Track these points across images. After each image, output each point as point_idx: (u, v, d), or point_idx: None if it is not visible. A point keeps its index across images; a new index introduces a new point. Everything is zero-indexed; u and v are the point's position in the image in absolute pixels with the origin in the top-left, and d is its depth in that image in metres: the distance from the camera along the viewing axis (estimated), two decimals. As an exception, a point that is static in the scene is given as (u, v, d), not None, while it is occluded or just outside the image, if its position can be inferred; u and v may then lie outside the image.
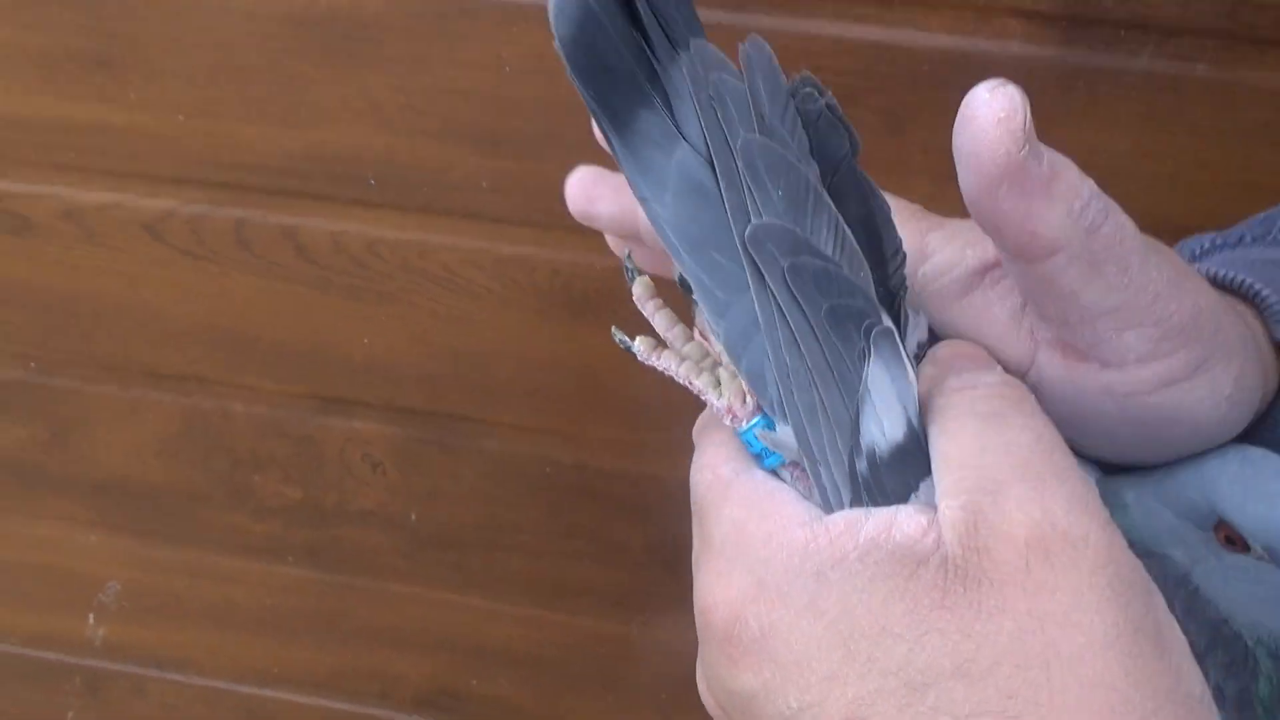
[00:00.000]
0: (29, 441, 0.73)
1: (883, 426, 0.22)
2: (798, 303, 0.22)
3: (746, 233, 0.22)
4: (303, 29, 0.53)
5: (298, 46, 0.54)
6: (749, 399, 0.24)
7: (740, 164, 0.22)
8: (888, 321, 0.23)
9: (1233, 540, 0.23)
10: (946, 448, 0.22)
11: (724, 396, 0.24)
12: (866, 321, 0.22)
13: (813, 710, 0.21)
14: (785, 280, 0.22)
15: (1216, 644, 0.22)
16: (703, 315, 0.25)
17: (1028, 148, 0.21)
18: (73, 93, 0.57)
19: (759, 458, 0.24)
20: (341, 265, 0.61)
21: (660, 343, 0.26)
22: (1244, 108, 0.48)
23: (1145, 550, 0.22)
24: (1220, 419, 0.24)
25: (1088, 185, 0.22)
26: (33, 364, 0.70)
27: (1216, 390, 0.23)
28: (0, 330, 0.68)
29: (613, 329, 0.26)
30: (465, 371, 0.63)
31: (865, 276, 0.23)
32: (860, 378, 0.22)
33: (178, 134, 0.58)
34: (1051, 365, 0.24)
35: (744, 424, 0.24)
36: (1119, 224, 0.22)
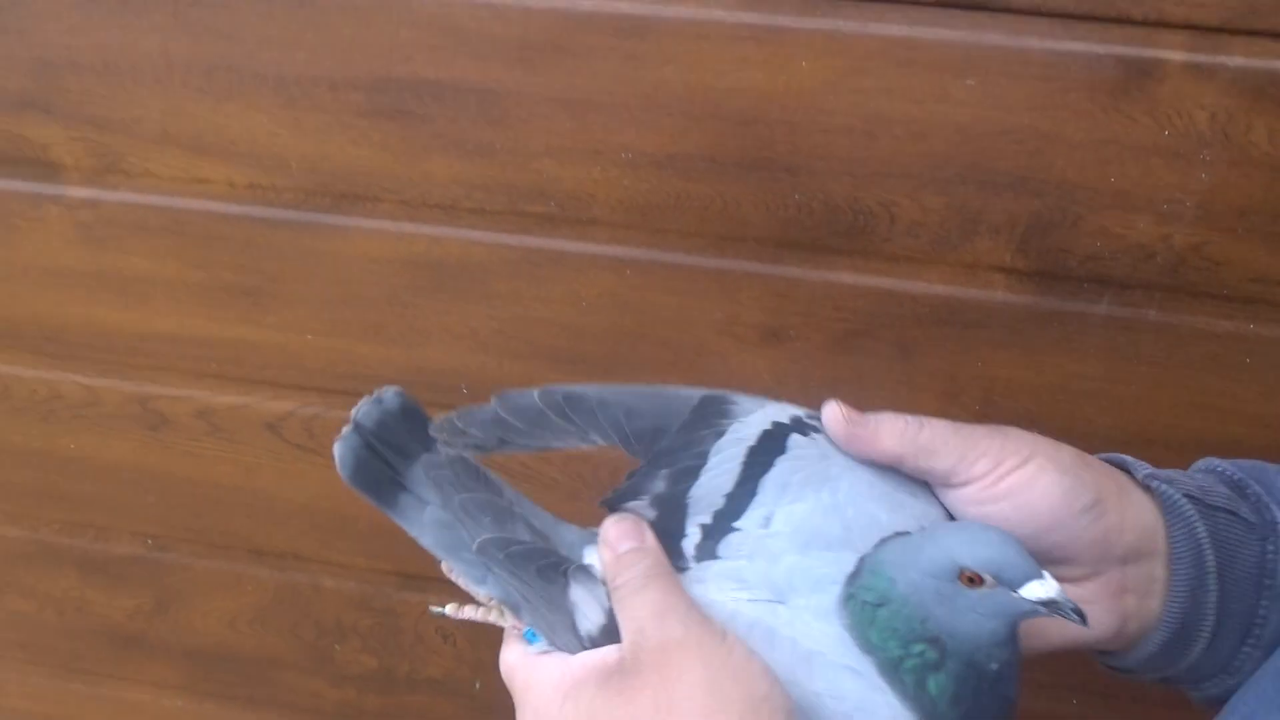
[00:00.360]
0: (135, 611, 0.82)
1: (589, 620, 0.39)
2: (516, 573, 0.40)
3: (475, 545, 0.40)
4: (416, 269, 0.66)
5: (411, 283, 0.66)
6: (521, 621, 0.42)
7: (460, 510, 0.41)
8: (585, 558, 0.41)
9: (973, 580, 0.36)
10: (620, 615, 0.38)
11: (507, 621, 0.42)
12: (564, 566, 0.39)
13: None
14: (505, 563, 0.40)
15: (908, 651, 0.36)
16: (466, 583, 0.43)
17: (850, 427, 0.41)
18: (221, 316, 0.69)
19: (530, 640, 0.41)
20: (432, 459, 0.71)
21: (458, 606, 0.45)
22: (1188, 344, 0.59)
23: (914, 612, 0.36)
24: (1059, 495, 0.40)
25: (903, 419, 0.41)
26: (150, 540, 0.79)
27: (1046, 470, 0.40)
28: (127, 511, 0.78)
29: (429, 607, 0.46)
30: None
31: (554, 540, 0.41)
32: (566, 603, 0.39)
33: (304, 350, 0.70)
34: (949, 495, 0.41)
35: (521, 629, 0.42)
36: (933, 428, 0.40)
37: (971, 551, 0.36)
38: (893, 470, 0.41)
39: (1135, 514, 0.41)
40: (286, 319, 0.69)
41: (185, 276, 0.68)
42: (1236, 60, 0.53)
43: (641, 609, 0.37)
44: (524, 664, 0.40)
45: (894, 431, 0.40)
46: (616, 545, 0.39)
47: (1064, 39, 0.54)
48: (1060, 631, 0.41)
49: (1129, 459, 0.44)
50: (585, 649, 0.38)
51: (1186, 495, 0.41)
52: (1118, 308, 0.59)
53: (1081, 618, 0.35)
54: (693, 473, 0.41)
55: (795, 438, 0.42)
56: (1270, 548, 0.41)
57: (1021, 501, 0.40)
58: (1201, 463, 0.45)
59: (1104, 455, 0.43)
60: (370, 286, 0.67)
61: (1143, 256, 0.57)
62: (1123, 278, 0.58)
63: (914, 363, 0.61)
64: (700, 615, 0.37)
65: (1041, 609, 0.36)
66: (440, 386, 0.69)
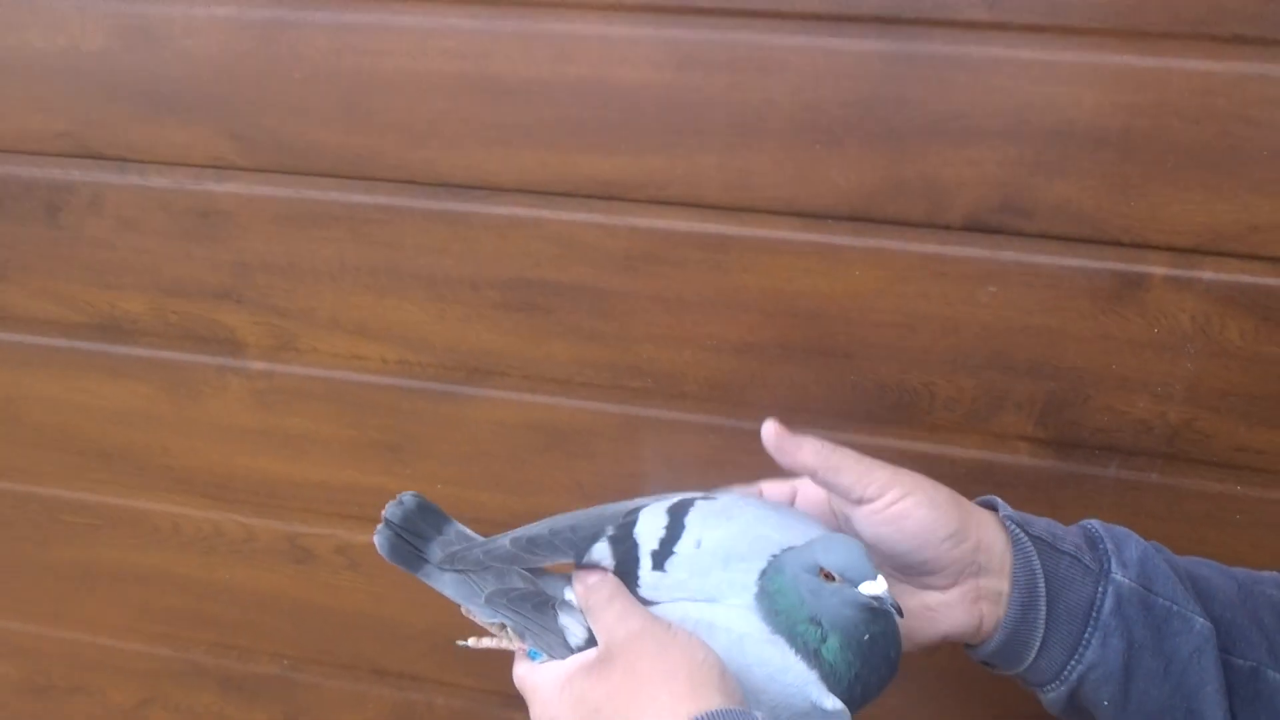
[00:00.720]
0: (266, 724, 0.93)
1: (575, 636, 0.55)
2: (518, 610, 0.56)
3: (484, 596, 0.57)
4: (533, 432, 0.79)
5: (528, 443, 0.79)
6: (525, 643, 0.57)
7: (472, 569, 0.58)
8: (566, 595, 0.56)
9: (829, 577, 0.50)
10: (594, 625, 0.53)
11: (515, 644, 0.58)
12: (551, 601, 0.56)
13: None
14: (508, 605, 0.56)
15: (801, 629, 0.50)
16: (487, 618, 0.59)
17: (779, 440, 0.55)
18: (366, 467, 0.83)
19: (533, 657, 0.57)
20: (538, 592, 0.83)
21: (478, 637, 0.60)
22: (1186, 503, 0.70)
23: (793, 597, 0.51)
24: (928, 525, 0.53)
25: (821, 442, 0.55)
26: (285, 661, 0.91)
27: (921, 505, 0.54)
28: (268, 634, 0.90)
29: (455, 642, 0.61)
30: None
31: (541, 585, 0.57)
32: (556, 626, 0.55)
33: (434, 497, 0.81)
34: (851, 512, 0.56)
35: (528, 650, 0.57)
36: (842, 454, 0.55)
37: (827, 556, 0.50)
38: (779, 506, 0.57)
39: (989, 544, 0.54)
40: (421, 471, 0.82)
41: (339, 435, 0.82)
42: (1208, 275, 0.66)
43: (609, 617, 0.52)
44: (530, 673, 0.55)
45: (813, 449, 0.55)
46: (587, 580, 0.55)
47: (1068, 256, 0.67)
48: (935, 626, 0.55)
49: (998, 500, 0.57)
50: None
51: (1034, 537, 0.54)
52: (1125, 471, 0.70)
53: (898, 611, 0.49)
54: (632, 526, 0.56)
55: (699, 500, 0.57)
56: (1100, 589, 0.54)
57: (901, 526, 0.54)
58: (1082, 522, 0.58)
59: (979, 499, 0.57)
60: (494, 445, 0.80)
61: (1143, 430, 0.69)
62: (1128, 446, 0.70)
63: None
64: (652, 615, 0.52)
65: (873, 601, 0.49)
66: (548, 529, 0.81)
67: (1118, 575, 0.54)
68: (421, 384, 0.79)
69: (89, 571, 0.91)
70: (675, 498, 0.58)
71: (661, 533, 0.55)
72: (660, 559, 0.54)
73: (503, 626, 0.58)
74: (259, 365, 0.81)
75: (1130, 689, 0.53)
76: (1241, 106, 0.62)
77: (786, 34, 0.66)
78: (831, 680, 0.50)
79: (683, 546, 0.54)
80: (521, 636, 0.57)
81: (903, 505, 0.54)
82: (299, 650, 0.90)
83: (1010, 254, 0.68)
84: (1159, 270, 0.66)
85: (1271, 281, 0.65)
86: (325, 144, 0.74)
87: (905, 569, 0.56)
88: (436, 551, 0.59)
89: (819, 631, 0.50)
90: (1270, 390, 0.66)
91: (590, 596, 0.54)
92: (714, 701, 0.48)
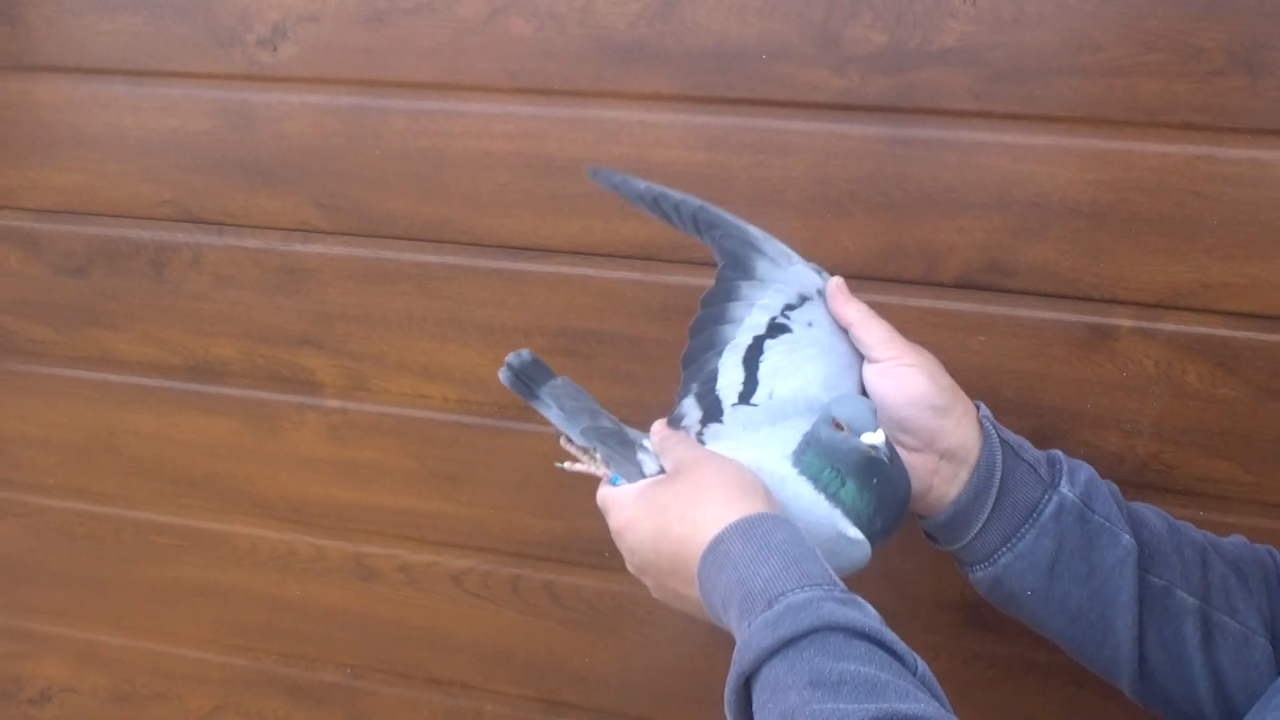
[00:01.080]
0: (329, 729, 1.02)
1: (650, 468, 0.67)
2: (606, 443, 0.68)
3: (580, 430, 0.70)
4: (576, 462, 0.89)
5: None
6: (609, 470, 0.69)
7: (569, 406, 0.70)
8: (644, 442, 0.68)
9: (839, 426, 0.60)
10: (664, 460, 0.65)
11: (601, 469, 0.69)
12: (634, 440, 0.69)
13: (641, 541, 0.62)
14: (599, 438, 0.69)
15: (824, 474, 0.61)
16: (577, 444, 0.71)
17: (837, 292, 0.67)
18: (425, 494, 0.93)
19: (614, 482, 0.68)
20: (579, 607, 0.92)
21: (572, 461, 0.72)
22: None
23: (810, 442, 0.62)
24: (921, 392, 0.64)
25: (865, 308, 0.67)
26: (349, 670, 1.00)
27: (921, 374, 0.65)
28: (333, 645, 0.99)
29: (556, 464, 0.73)
30: (657, 682, 0.92)
31: (622, 427, 0.70)
32: (634, 459, 0.67)
33: (486, 521, 0.92)
34: (866, 366, 0.67)
35: (609, 476, 0.69)
36: (877, 321, 0.66)
37: (840, 410, 0.60)
38: (839, 362, 0.67)
39: (964, 432, 0.65)
40: (475, 497, 0.92)
41: (403, 465, 0.92)
42: (1169, 326, 0.75)
43: (678, 450, 0.64)
44: (612, 493, 0.67)
45: (856, 309, 0.67)
46: (661, 430, 0.67)
47: (1047, 310, 0.77)
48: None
49: (983, 404, 0.67)
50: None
51: (1004, 440, 0.65)
52: None
53: (889, 459, 0.60)
54: (714, 377, 0.68)
55: (771, 342, 0.68)
56: (1046, 496, 0.64)
57: (899, 386, 0.65)
58: (1051, 450, 0.68)
59: (976, 402, 0.67)
60: (541, 475, 0.89)
61: (1115, 461, 0.78)
62: (1102, 476, 0.79)
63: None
64: (710, 450, 0.64)
65: (870, 449, 0.59)
66: (588, 550, 0.90)
67: (1064, 489, 0.64)
68: (478, 420, 0.89)
69: (173, 588, 1.01)
70: (749, 337, 0.68)
71: (740, 387, 0.67)
72: (737, 407, 0.67)
73: (592, 457, 0.70)
74: (334, 403, 0.92)
75: (1054, 587, 0.63)
76: (1193, 182, 0.72)
77: (801, 120, 0.77)
78: (854, 517, 0.61)
79: (758, 398, 0.67)
80: (608, 464, 0.68)
81: (906, 369, 0.65)
82: (361, 660, 0.99)
83: (997, 308, 0.78)
84: (1127, 322, 0.76)
85: (1224, 332, 0.74)
86: (400, 211, 0.85)
87: (890, 422, 0.65)
88: (546, 392, 0.71)
89: (840, 477, 0.61)
90: (1225, 427, 0.76)
91: (664, 441, 0.66)
92: (759, 508, 0.58)
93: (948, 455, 0.65)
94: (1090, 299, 0.76)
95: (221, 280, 0.90)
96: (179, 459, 0.96)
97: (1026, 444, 0.67)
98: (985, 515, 0.64)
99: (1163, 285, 0.74)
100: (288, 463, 0.94)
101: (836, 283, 0.67)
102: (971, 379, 0.79)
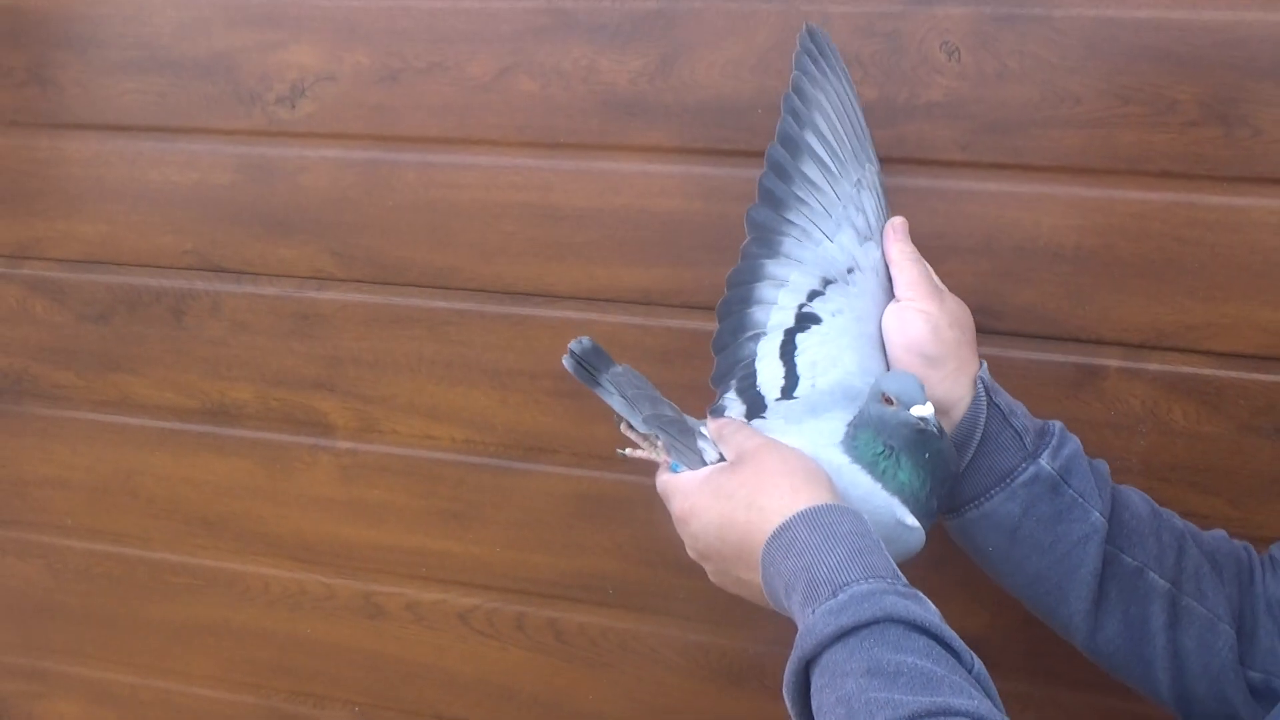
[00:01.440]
0: (337, 768, 1.03)
1: (710, 455, 0.68)
2: (667, 430, 0.69)
3: (643, 417, 0.70)
4: (580, 501, 0.91)
5: (576, 511, 0.91)
6: (670, 457, 0.70)
7: (630, 394, 0.71)
8: (701, 429, 0.70)
9: (889, 400, 0.63)
10: (723, 448, 0.67)
11: (662, 456, 0.70)
12: (696, 428, 0.69)
13: (705, 528, 0.64)
14: (661, 426, 0.69)
15: (878, 460, 0.64)
16: (639, 432, 0.72)
17: (891, 230, 0.70)
18: (431, 533, 0.95)
19: (674, 470, 0.69)
20: (584, 644, 0.94)
21: (633, 448, 0.73)
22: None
23: (861, 421, 0.65)
24: (919, 339, 0.67)
25: (909, 249, 0.70)
26: (356, 708, 1.02)
27: (927, 322, 0.67)
28: (342, 682, 1.01)
29: (617, 450, 0.74)
30: (661, 719, 0.93)
31: (682, 415, 0.71)
32: (696, 446, 0.68)
33: (491, 559, 0.94)
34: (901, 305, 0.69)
35: (669, 463, 0.70)
36: (915, 262, 0.69)
37: (889, 385, 0.63)
38: (870, 345, 0.68)
39: (952, 387, 0.67)
40: (482, 535, 0.94)
41: (411, 504, 0.95)
42: (1154, 366, 0.78)
43: (739, 438, 0.66)
44: (674, 480, 0.68)
45: (898, 249, 0.69)
46: (719, 420, 0.69)
47: (1035, 351, 0.79)
48: None
49: (984, 363, 0.69)
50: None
51: (994, 403, 0.67)
52: (1091, 535, 0.81)
53: (940, 432, 0.62)
54: (753, 372, 0.71)
55: (803, 335, 0.70)
56: (1024, 465, 0.66)
57: (902, 326, 0.68)
58: (1052, 421, 0.69)
59: (981, 361, 0.69)
60: (545, 513, 0.92)
61: (1106, 498, 0.80)
62: (1094, 513, 0.81)
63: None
64: (770, 438, 0.65)
65: (919, 422, 0.61)
66: (591, 587, 0.92)
67: (1044, 462, 0.66)
68: (484, 460, 0.92)
69: (185, 627, 1.03)
70: (780, 333, 0.71)
71: (781, 381, 0.70)
72: (780, 402, 0.69)
73: (652, 444, 0.71)
74: (346, 444, 0.95)
75: (1014, 549, 0.66)
76: (1173, 228, 0.75)
77: (794, 170, 0.80)
78: (912, 502, 0.63)
79: (800, 391, 0.69)
80: (668, 452, 0.69)
81: (914, 313, 0.67)
82: (369, 697, 1.01)
83: (986, 349, 0.79)
84: (1113, 362, 0.78)
85: (1207, 371, 0.77)
86: (411, 260, 0.88)
87: (889, 359, 0.69)
88: (607, 379, 0.72)
89: (893, 462, 0.62)
90: (1212, 464, 0.78)
91: (722, 429, 0.68)
92: (824, 498, 0.60)
93: (936, 406, 0.66)
94: (1077, 340, 0.78)
95: (239, 326, 0.93)
96: (194, 499, 0.99)
97: (1020, 411, 0.68)
98: (958, 469, 0.66)
99: (1147, 326, 0.77)
100: (300, 503, 0.97)
101: (896, 222, 0.70)
102: (964, 418, 0.81)
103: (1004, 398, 0.68)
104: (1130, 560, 0.66)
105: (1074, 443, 0.68)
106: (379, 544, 0.96)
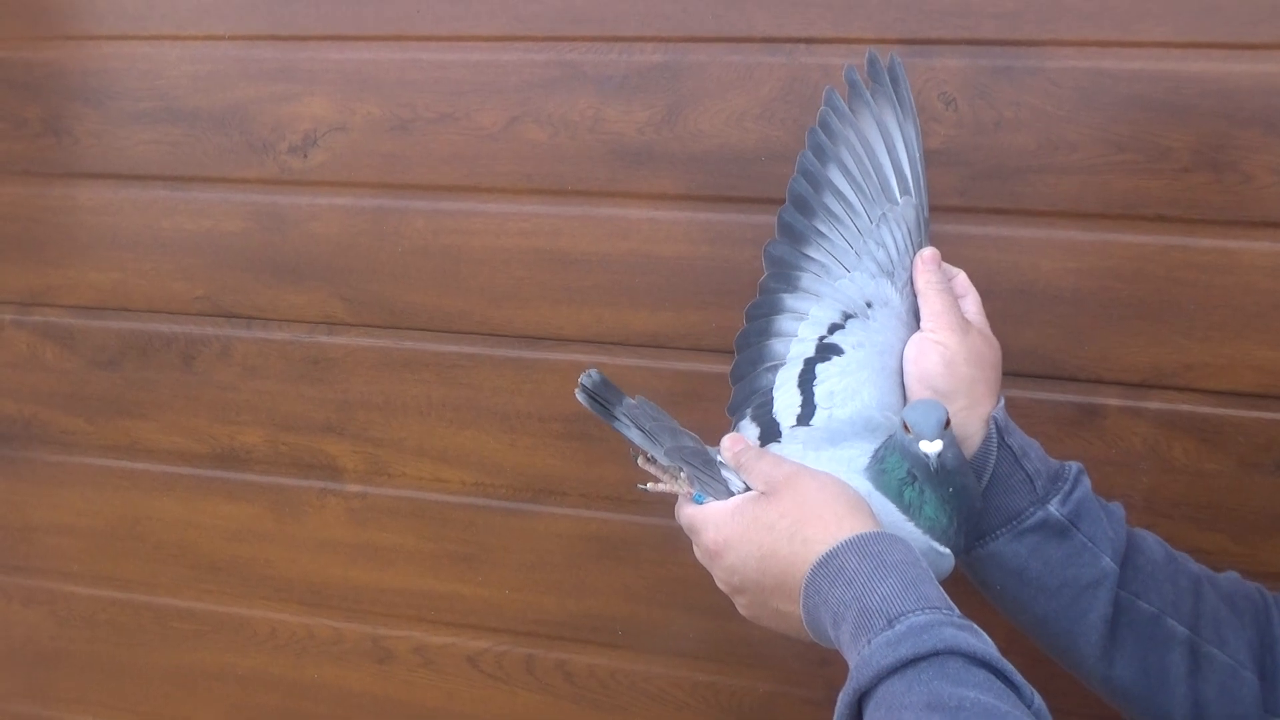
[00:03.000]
0: (343, 813, 1.02)
1: (736, 485, 0.66)
2: (690, 462, 0.67)
3: (665, 450, 0.68)
4: (589, 542, 0.91)
5: (585, 553, 0.92)
6: (693, 489, 0.68)
7: (649, 426, 0.69)
8: (719, 455, 0.68)
9: (908, 429, 0.62)
10: (748, 478, 0.65)
11: (684, 489, 0.69)
12: (717, 459, 0.68)
13: (744, 560, 0.62)
14: (684, 459, 0.67)
15: (904, 492, 0.63)
16: (661, 464, 0.71)
17: (922, 263, 0.70)
18: (442, 575, 0.95)
19: (698, 501, 0.67)
20: (593, 686, 0.94)
21: (654, 481, 0.72)
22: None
23: (888, 448, 0.65)
24: (932, 373, 0.67)
25: (938, 279, 0.69)
26: (364, 753, 1.01)
27: (941, 356, 0.66)
28: (350, 728, 1.01)
29: (637, 485, 0.71)
30: (670, 762, 0.93)
31: (704, 446, 0.69)
32: (721, 477, 0.67)
33: (502, 602, 0.95)
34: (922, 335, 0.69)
35: (694, 494, 0.68)
36: (941, 293, 0.68)
37: (910, 414, 0.63)
38: (891, 380, 0.68)
39: (967, 423, 0.66)
40: (491, 578, 0.94)
41: (420, 547, 0.95)
42: (1154, 405, 0.79)
43: (763, 466, 0.64)
44: (701, 512, 0.66)
45: (926, 280, 0.69)
46: (733, 446, 0.67)
47: (1036, 390, 0.81)
48: None
49: (1003, 399, 0.68)
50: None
51: (1006, 445, 0.66)
52: (1096, 572, 0.82)
53: (956, 467, 0.62)
54: (769, 400, 0.71)
55: (823, 366, 0.70)
56: (1032, 510, 0.65)
57: (916, 359, 0.67)
58: (1072, 462, 0.69)
59: (1000, 399, 0.68)
60: (555, 556, 0.92)
61: (1109, 535, 0.81)
62: (1098, 550, 0.82)
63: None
64: (800, 464, 0.64)
65: (922, 455, 0.61)
66: (600, 628, 0.93)
67: (1053, 508, 0.66)
68: (494, 502, 0.93)
69: (191, 673, 1.03)
70: (800, 362, 0.71)
71: (797, 409, 0.70)
72: (796, 429, 0.69)
73: (673, 477, 0.69)
74: (355, 488, 0.95)
75: (1022, 590, 0.66)
76: (1168, 270, 0.77)
77: (798, 216, 0.82)
78: (938, 534, 0.62)
79: (816, 420, 0.69)
80: (691, 483, 0.68)
81: (932, 345, 0.67)
82: (377, 743, 1.00)
83: (989, 389, 0.82)
84: (1114, 401, 0.80)
85: (1206, 409, 0.78)
86: (421, 304, 0.89)
87: (906, 390, 0.69)
88: (622, 411, 0.70)
89: (917, 493, 0.62)
90: (1213, 500, 0.79)
91: (741, 456, 0.66)
92: (869, 526, 0.58)
93: None
94: (1077, 379, 0.80)
95: (249, 371, 0.94)
96: (202, 544, 0.99)
97: (1035, 453, 0.67)
98: (981, 506, 0.65)
99: (1146, 366, 0.78)
100: (308, 546, 0.97)
101: (926, 253, 0.70)
102: (968, 457, 0.83)
103: (1018, 438, 0.68)
104: (1146, 606, 0.65)
105: (1086, 486, 0.68)
106: (388, 587, 0.96)
